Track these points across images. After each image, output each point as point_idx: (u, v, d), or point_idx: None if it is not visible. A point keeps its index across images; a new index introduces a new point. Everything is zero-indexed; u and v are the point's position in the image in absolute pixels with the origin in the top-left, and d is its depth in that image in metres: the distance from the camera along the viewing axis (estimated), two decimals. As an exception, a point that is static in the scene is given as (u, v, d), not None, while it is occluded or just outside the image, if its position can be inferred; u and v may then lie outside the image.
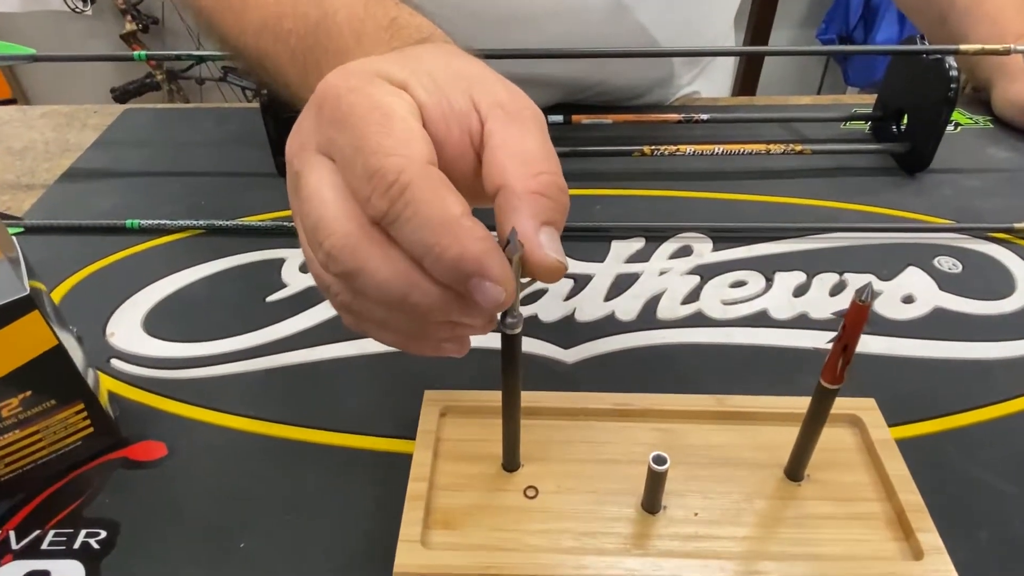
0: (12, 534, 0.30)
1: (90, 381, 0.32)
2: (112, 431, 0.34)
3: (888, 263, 0.46)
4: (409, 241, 0.22)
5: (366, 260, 0.22)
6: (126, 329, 0.41)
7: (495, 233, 0.23)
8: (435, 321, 0.24)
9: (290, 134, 0.26)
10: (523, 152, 0.23)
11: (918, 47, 0.52)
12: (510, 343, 0.26)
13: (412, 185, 0.21)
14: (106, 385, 0.37)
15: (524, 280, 0.23)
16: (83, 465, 0.33)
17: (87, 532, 0.30)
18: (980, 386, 0.37)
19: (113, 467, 0.33)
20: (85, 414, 0.32)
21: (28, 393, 0.29)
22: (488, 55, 0.54)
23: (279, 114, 0.52)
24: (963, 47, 0.51)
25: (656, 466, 0.27)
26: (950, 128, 0.62)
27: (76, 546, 0.30)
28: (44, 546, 0.30)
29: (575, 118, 0.59)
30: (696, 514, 0.29)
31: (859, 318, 0.23)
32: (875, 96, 0.61)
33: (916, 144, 0.54)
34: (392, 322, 0.24)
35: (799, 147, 0.54)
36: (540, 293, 0.44)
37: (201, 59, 0.54)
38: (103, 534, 0.30)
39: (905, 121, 0.57)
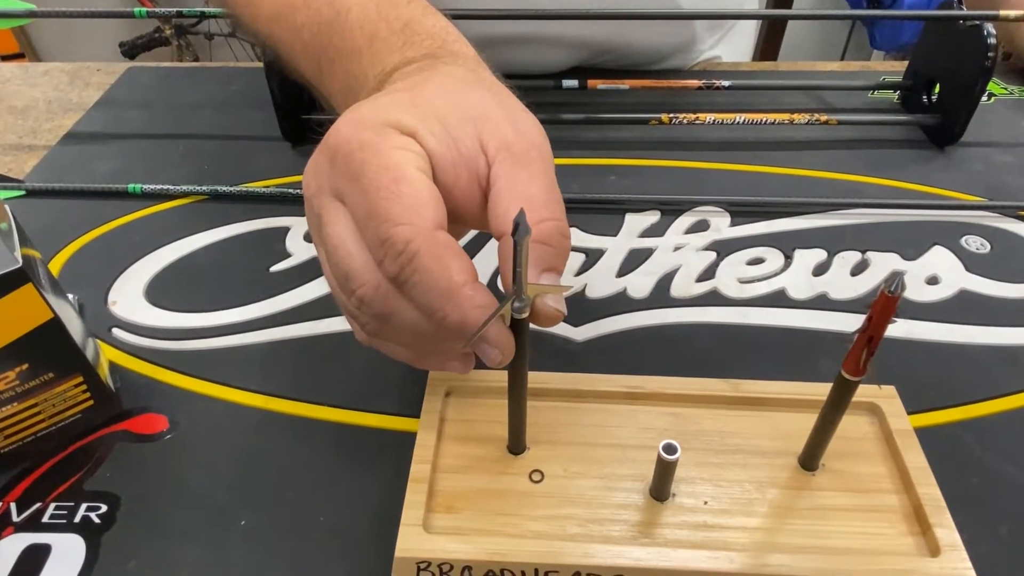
0: (13, 506, 0.30)
1: (90, 353, 0.32)
2: (113, 404, 0.33)
3: (913, 242, 0.44)
4: (418, 302, 0.23)
5: (396, 306, 0.24)
6: (128, 298, 0.40)
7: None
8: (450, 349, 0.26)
9: (307, 168, 0.26)
10: (527, 198, 0.24)
11: (954, 12, 0.49)
12: (518, 327, 0.25)
13: (419, 254, 0.23)
14: (107, 356, 0.36)
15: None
16: (84, 438, 0.33)
17: (88, 506, 0.30)
18: (1004, 373, 0.36)
19: (114, 440, 0.33)
20: (85, 387, 0.31)
21: (25, 366, 0.29)
22: (508, 15, 0.52)
23: (284, 76, 0.50)
24: (1003, 13, 0.48)
25: (666, 455, 0.26)
26: (983, 99, 0.59)
27: (77, 520, 0.30)
28: (45, 519, 0.30)
29: (591, 83, 0.57)
30: (706, 503, 0.28)
31: (887, 310, 0.22)
32: (905, 63, 0.58)
33: (947, 116, 0.52)
34: (410, 346, 0.27)
35: (824, 117, 0.52)
36: (550, 268, 0.42)
37: (203, 15, 0.52)
38: (104, 508, 0.30)
39: (937, 91, 0.54)
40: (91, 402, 0.32)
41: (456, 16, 0.53)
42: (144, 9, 0.51)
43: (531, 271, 0.24)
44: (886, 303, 0.22)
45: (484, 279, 0.41)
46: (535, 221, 0.24)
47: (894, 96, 0.59)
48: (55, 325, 0.29)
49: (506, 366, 0.26)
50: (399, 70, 0.30)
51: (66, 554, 0.28)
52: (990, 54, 0.47)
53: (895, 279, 0.22)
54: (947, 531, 0.27)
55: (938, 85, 0.54)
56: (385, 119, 0.25)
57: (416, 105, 0.26)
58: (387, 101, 0.26)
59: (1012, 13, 0.48)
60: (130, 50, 1.91)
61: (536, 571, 0.26)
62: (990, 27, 0.48)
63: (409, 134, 0.25)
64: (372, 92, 0.31)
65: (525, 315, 0.24)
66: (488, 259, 0.42)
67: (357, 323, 0.27)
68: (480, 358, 0.24)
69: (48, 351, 0.29)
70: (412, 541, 0.26)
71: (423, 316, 0.24)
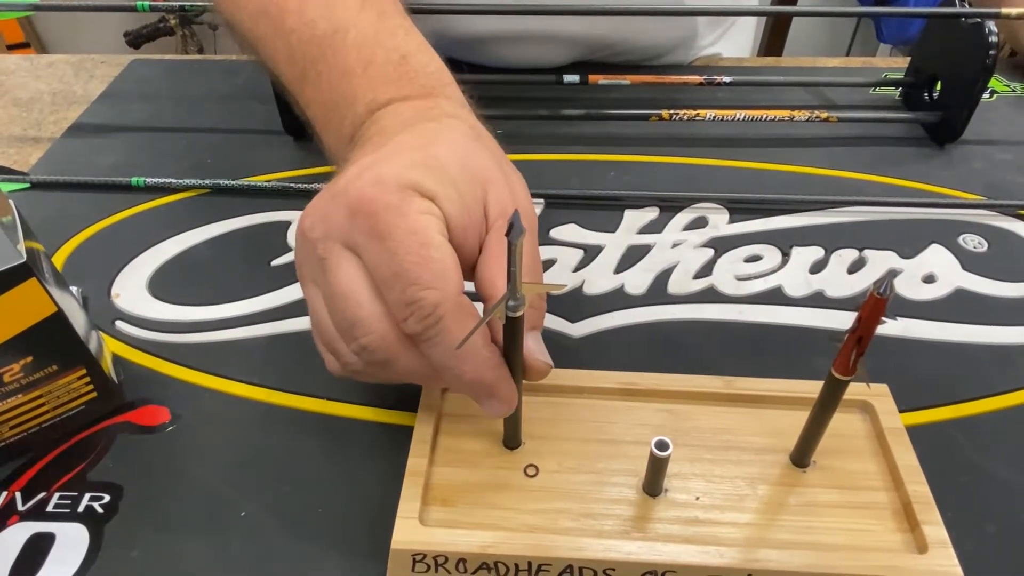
0: (18, 496, 0.31)
1: (93, 345, 0.32)
2: (116, 395, 0.34)
3: (911, 240, 0.44)
4: (435, 360, 0.25)
5: (399, 355, 0.26)
6: (131, 291, 0.41)
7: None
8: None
9: (311, 211, 0.27)
10: None
11: (955, 10, 0.49)
12: (513, 325, 0.25)
13: (446, 318, 0.24)
14: (110, 348, 0.37)
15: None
16: (87, 429, 0.33)
17: (91, 496, 0.31)
18: (998, 372, 0.36)
19: (117, 431, 0.33)
20: (88, 379, 0.32)
21: (29, 359, 0.29)
22: (510, 11, 0.52)
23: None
24: (1005, 10, 0.48)
25: (658, 451, 0.26)
26: (985, 96, 0.59)
27: (80, 509, 0.30)
28: (49, 508, 0.30)
29: (592, 78, 0.57)
30: (698, 498, 0.29)
31: (876, 312, 0.22)
32: (907, 60, 0.58)
33: (948, 113, 0.52)
34: (394, 381, 0.28)
35: (824, 114, 0.52)
36: (548, 264, 0.43)
37: (206, 9, 0.52)
38: (107, 498, 0.31)
39: (938, 88, 0.54)
40: (94, 394, 0.33)
41: (459, 12, 0.54)
42: (147, 2, 0.51)
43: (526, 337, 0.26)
44: (876, 304, 0.23)
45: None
46: None
47: (896, 93, 0.59)
48: (59, 319, 0.29)
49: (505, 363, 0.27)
50: (393, 105, 0.31)
51: (70, 543, 0.29)
52: (991, 52, 0.47)
53: (884, 281, 0.22)
54: (935, 528, 0.27)
55: (940, 82, 0.54)
56: (408, 182, 0.26)
57: (431, 167, 0.27)
58: (406, 160, 0.27)
59: (1014, 11, 0.48)
60: (135, 40, 1.91)
61: (529, 564, 0.27)
62: (992, 25, 0.48)
63: (430, 198, 0.26)
64: (360, 122, 0.31)
65: (519, 313, 0.24)
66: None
67: (339, 361, 0.28)
68: (486, 412, 0.27)
69: (52, 344, 0.30)
70: (408, 533, 0.27)
71: (421, 361, 0.26)
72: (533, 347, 0.27)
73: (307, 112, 0.35)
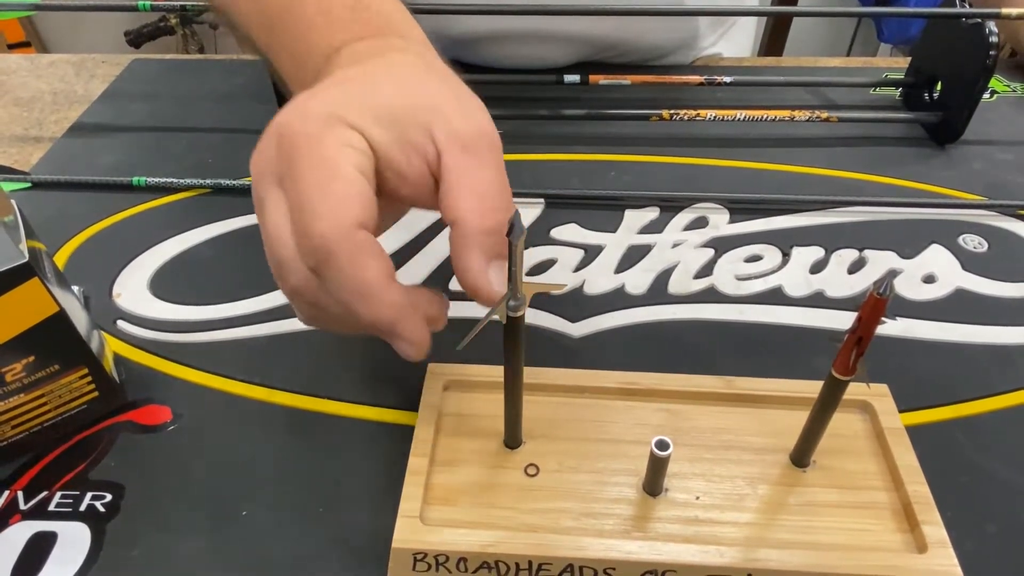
0: (20, 495, 0.31)
1: (95, 345, 0.32)
2: (117, 395, 0.34)
3: (911, 240, 0.44)
4: (334, 295, 0.24)
5: (326, 301, 0.25)
6: (132, 290, 0.41)
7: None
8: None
9: (255, 150, 0.27)
10: (477, 188, 0.25)
11: (956, 10, 0.49)
12: (513, 325, 0.25)
13: (334, 251, 0.23)
14: (112, 348, 0.37)
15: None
16: (89, 428, 0.33)
17: (93, 495, 0.31)
18: (998, 372, 0.36)
19: (118, 430, 0.33)
20: (90, 378, 0.32)
21: (31, 358, 0.29)
22: (511, 11, 0.52)
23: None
24: (1005, 11, 0.48)
25: (658, 451, 0.27)
26: (985, 96, 0.59)
27: (82, 508, 0.30)
28: (51, 508, 0.30)
29: (592, 78, 0.57)
30: (698, 498, 0.29)
31: (876, 312, 0.23)
32: (908, 60, 0.58)
33: (948, 114, 0.52)
34: (348, 331, 0.27)
35: (825, 115, 0.52)
36: (549, 264, 0.43)
37: (206, 9, 0.52)
38: (108, 497, 0.31)
39: (938, 88, 0.54)
40: (96, 393, 0.33)
41: (459, 12, 0.54)
42: (148, 2, 0.51)
43: (481, 260, 0.24)
44: (875, 305, 0.23)
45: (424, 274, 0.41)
46: (486, 210, 0.24)
47: (896, 93, 0.59)
48: (61, 318, 0.29)
49: (503, 361, 0.27)
50: (347, 47, 0.30)
51: (72, 542, 0.29)
52: (992, 52, 0.47)
53: (884, 281, 0.22)
54: (935, 528, 0.27)
55: (940, 83, 0.54)
56: (333, 111, 0.25)
57: (363, 99, 0.26)
58: (337, 92, 0.26)
59: (1014, 11, 0.48)
60: (135, 39, 1.91)
61: (530, 563, 0.27)
62: (992, 25, 0.48)
63: (356, 129, 0.25)
64: (319, 70, 0.30)
65: (520, 313, 0.24)
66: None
67: (293, 305, 0.27)
68: (399, 352, 0.25)
69: (54, 344, 0.30)
70: (409, 532, 0.27)
71: (346, 309, 0.24)
72: (494, 278, 0.25)
73: (279, 69, 0.35)
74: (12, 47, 1.90)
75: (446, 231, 0.43)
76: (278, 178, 0.25)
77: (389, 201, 0.26)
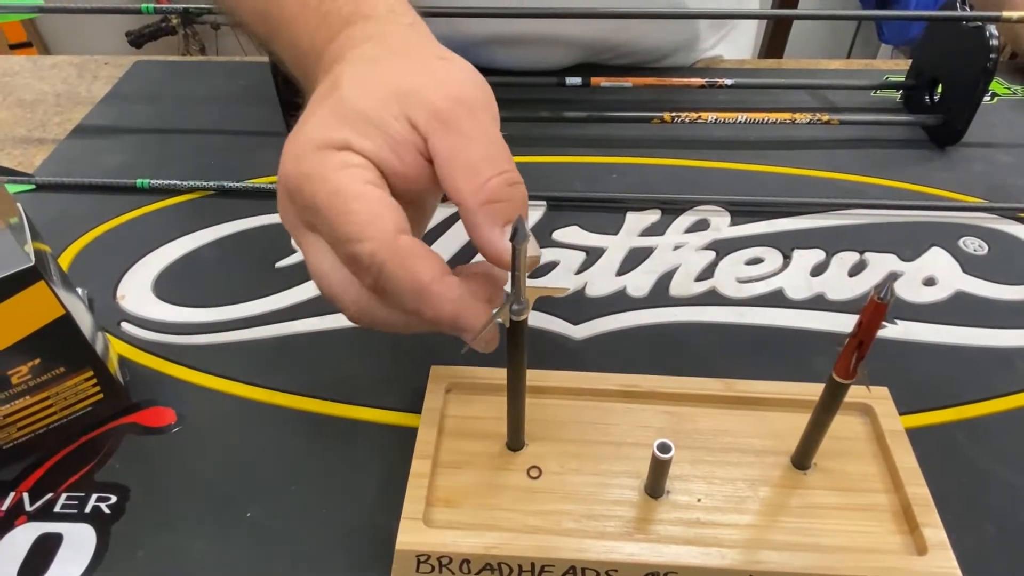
0: (26, 496, 0.31)
1: (99, 347, 0.32)
2: (122, 397, 0.34)
3: (911, 243, 0.44)
4: (397, 304, 0.25)
5: (384, 315, 0.26)
6: (136, 292, 0.41)
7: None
8: None
9: (279, 207, 0.27)
10: (467, 163, 0.25)
11: (956, 13, 0.50)
12: (516, 329, 0.25)
13: (385, 265, 0.24)
14: (116, 350, 0.37)
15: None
16: (94, 430, 0.33)
17: (98, 496, 0.31)
18: (998, 375, 0.36)
19: (123, 432, 0.34)
20: (94, 380, 0.32)
21: (37, 361, 0.30)
22: (512, 14, 0.53)
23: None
24: (1005, 14, 0.48)
25: (660, 454, 0.27)
26: (986, 99, 0.59)
27: (87, 510, 0.30)
28: (57, 509, 0.30)
29: (594, 80, 0.57)
30: (699, 500, 0.29)
31: (876, 316, 0.23)
32: (909, 62, 0.58)
33: (949, 116, 0.52)
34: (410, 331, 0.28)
35: (825, 117, 0.52)
36: (551, 266, 0.43)
37: (210, 11, 0.52)
38: (113, 499, 0.31)
39: (939, 91, 0.54)
40: (101, 395, 0.33)
41: (459, 15, 0.54)
42: (152, 5, 0.51)
43: (493, 232, 0.24)
44: (876, 309, 0.23)
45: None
46: (481, 183, 0.24)
47: (897, 95, 0.59)
48: (66, 321, 0.29)
49: (506, 364, 0.27)
50: (328, 47, 0.30)
51: (77, 543, 0.29)
52: (992, 55, 0.48)
53: (885, 286, 0.22)
54: (935, 530, 0.27)
55: (941, 85, 0.54)
56: (318, 142, 0.25)
57: (339, 113, 0.26)
58: (313, 121, 0.26)
59: (1015, 14, 0.48)
60: (137, 39, 1.91)
61: (532, 565, 0.27)
62: (992, 28, 0.48)
63: (344, 147, 0.25)
64: (317, 70, 0.30)
65: (523, 317, 0.25)
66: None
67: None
68: (466, 341, 0.25)
69: (59, 346, 0.30)
70: (412, 534, 0.27)
71: (407, 317, 0.26)
72: (490, 238, 0.24)
73: (286, 70, 0.36)
74: (13, 47, 1.90)
75: (444, 237, 0.44)
76: (305, 224, 0.26)
77: (405, 205, 0.26)
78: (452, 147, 0.25)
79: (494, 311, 0.25)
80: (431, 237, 0.45)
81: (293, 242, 0.28)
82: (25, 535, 0.29)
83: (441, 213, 0.46)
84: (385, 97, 0.26)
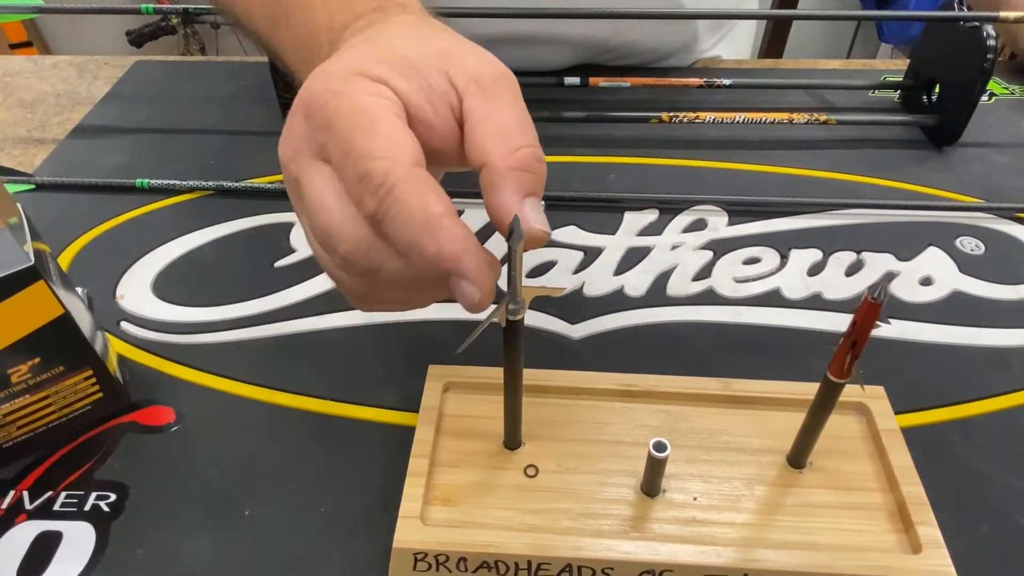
0: (26, 495, 0.31)
1: (99, 346, 0.32)
2: (121, 396, 0.34)
3: (908, 242, 0.45)
4: (396, 238, 0.23)
5: (381, 259, 0.24)
6: (136, 292, 0.41)
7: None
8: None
9: (281, 137, 0.26)
10: (501, 128, 0.24)
11: (954, 13, 0.50)
12: (513, 328, 0.25)
13: (397, 186, 0.22)
14: (116, 349, 0.37)
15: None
16: (93, 429, 0.34)
17: (97, 495, 0.31)
18: (994, 375, 0.37)
19: (122, 431, 0.34)
20: (94, 380, 0.32)
21: (36, 360, 0.30)
22: (511, 14, 0.53)
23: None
24: (1003, 14, 0.48)
25: (656, 452, 0.27)
26: (983, 98, 0.59)
27: (87, 508, 0.31)
28: (56, 507, 0.31)
29: (592, 80, 0.57)
30: (695, 499, 0.29)
31: (871, 316, 0.23)
32: (907, 62, 0.59)
33: (946, 116, 0.52)
34: (404, 299, 0.26)
35: (823, 117, 0.53)
36: (549, 266, 0.43)
37: (210, 11, 0.52)
38: (113, 497, 0.31)
39: (936, 91, 0.55)
40: (100, 394, 0.33)
41: (459, 15, 0.54)
42: (151, 5, 0.51)
43: (514, 198, 0.23)
44: (870, 309, 0.23)
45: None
46: (512, 149, 0.24)
47: (895, 95, 0.59)
48: (65, 320, 0.30)
49: (504, 365, 0.27)
50: (349, 27, 0.30)
51: (77, 541, 0.29)
52: (989, 55, 0.48)
53: (879, 286, 0.22)
54: (929, 529, 0.28)
55: (938, 85, 0.54)
56: (353, 69, 0.25)
57: (381, 53, 0.26)
58: (351, 55, 0.26)
59: (1012, 15, 0.48)
60: (137, 38, 1.91)
61: (529, 563, 0.27)
62: (990, 28, 0.48)
63: (380, 81, 0.24)
64: (326, 49, 0.30)
65: (520, 317, 0.25)
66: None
67: (344, 289, 0.27)
68: (458, 299, 0.23)
69: (58, 345, 0.30)
70: (409, 533, 0.27)
71: (404, 264, 0.24)
72: (529, 214, 0.24)
73: (285, 60, 0.35)
74: (14, 47, 1.90)
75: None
76: (313, 150, 0.25)
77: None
78: (488, 109, 0.25)
79: (491, 309, 0.25)
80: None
81: (289, 173, 0.26)
82: (25, 533, 0.30)
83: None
84: (428, 52, 0.26)
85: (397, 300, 0.27)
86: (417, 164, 0.23)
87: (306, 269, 0.42)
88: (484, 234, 0.45)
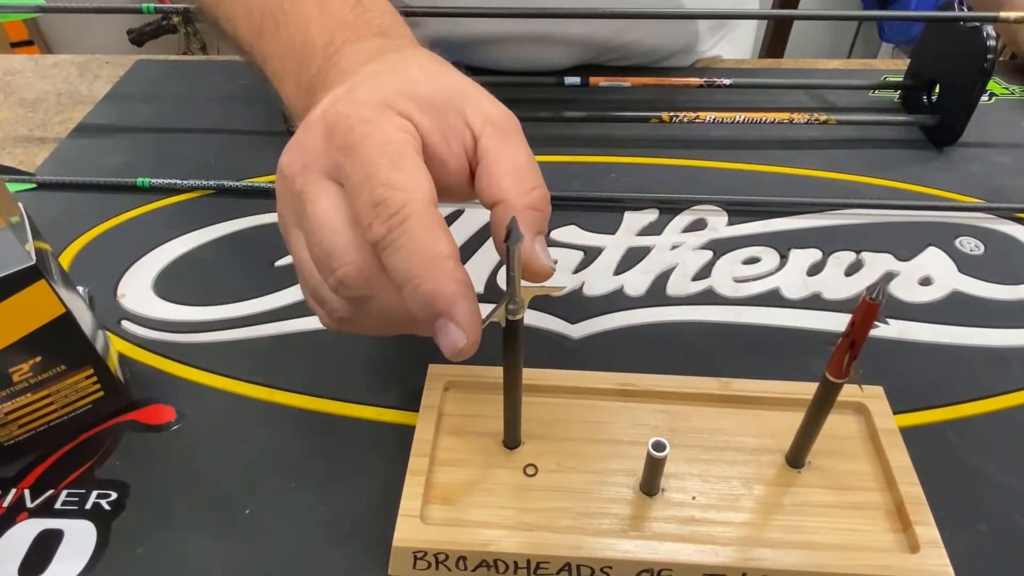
0: (27, 493, 0.31)
1: (100, 345, 0.33)
2: (122, 395, 0.34)
3: (908, 242, 0.45)
4: (396, 268, 0.23)
5: (377, 289, 0.24)
6: (137, 291, 0.41)
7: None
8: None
9: (289, 148, 0.27)
10: (516, 169, 0.26)
11: (954, 14, 0.50)
12: (512, 328, 0.25)
13: (411, 218, 0.23)
14: (117, 348, 0.37)
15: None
16: (94, 427, 0.34)
17: (98, 493, 0.31)
18: (993, 375, 0.37)
19: (123, 430, 0.34)
20: (95, 378, 0.32)
21: (38, 359, 0.30)
22: (511, 14, 0.53)
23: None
24: (1003, 14, 0.48)
25: (655, 452, 0.27)
26: (984, 98, 0.59)
27: (88, 506, 0.31)
28: (57, 506, 0.31)
29: (593, 80, 0.57)
30: (694, 498, 0.29)
31: (869, 316, 0.23)
32: (907, 62, 0.59)
33: (946, 117, 0.52)
34: (384, 329, 0.27)
35: (823, 117, 0.53)
36: (549, 265, 0.43)
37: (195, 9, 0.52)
38: (114, 495, 0.31)
39: (936, 91, 0.55)
40: (101, 393, 0.33)
41: (460, 15, 0.54)
42: (152, 5, 0.51)
43: (527, 236, 0.24)
44: (868, 309, 0.23)
45: (480, 280, 0.42)
46: (527, 189, 0.25)
47: (895, 96, 0.59)
48: (67, 319, 0.30)
49: (503, 364, 0.27)
50: (350, 45, 0.30)
51: (78, 539, 0.30)
52: (989, 56, 0.48)
53: (876, 287, 0.23)
54: (927, 528, 0.28)
55: (938, 85, 0.54)
56: (382, 100, 0.25)
57: (405, 88, 0.26)
58: (376, 84, 0.27)
59: (1012, 15, 0.48)
60: (138, 37, 1.91)
61: (528, 562, 0.27)
62: (990, 29, 0.48)
63: (405, 116, 0.25)
64: (319, 63, 0.31)
65: (519, 317, 0.25)
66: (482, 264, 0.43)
67: (325, 308, 0.27)
68: (441, 343, 0.24)
69: (60, 344, 0.30)
70: (409, 531, 0.27)
71: (398, 298, 0.24)
72: (539, 251, 0.25)
73: (265, 68, 0.35)
74: (14, 45, 1.90)
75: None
76: (327, 168, 0.25)
77: None
78: (504, 150, 0.26)
79: (489, 311, 0.25)
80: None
81: (292, 185, 0.26)
82: (26, 531, 0.30)
83: (441, 211, 0.46)
84: (448, 91, 0.27)
85: (377, 329, 0.27)
86: (432, 203, 0.24)
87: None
88: (483, 235, 0.45)
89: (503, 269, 0.26)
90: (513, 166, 0.26)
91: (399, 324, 0.26)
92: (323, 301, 0.26)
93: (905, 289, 0.42)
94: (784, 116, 0.53)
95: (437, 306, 0.23)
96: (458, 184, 0.27)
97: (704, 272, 0.43)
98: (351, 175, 0.24)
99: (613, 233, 0.46)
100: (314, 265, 0.26)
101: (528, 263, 0.25)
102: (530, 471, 0.30)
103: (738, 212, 0.47)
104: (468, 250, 0.44)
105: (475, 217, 0.46)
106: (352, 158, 0.24)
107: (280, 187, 0.27)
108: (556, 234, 0.45)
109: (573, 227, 0.46)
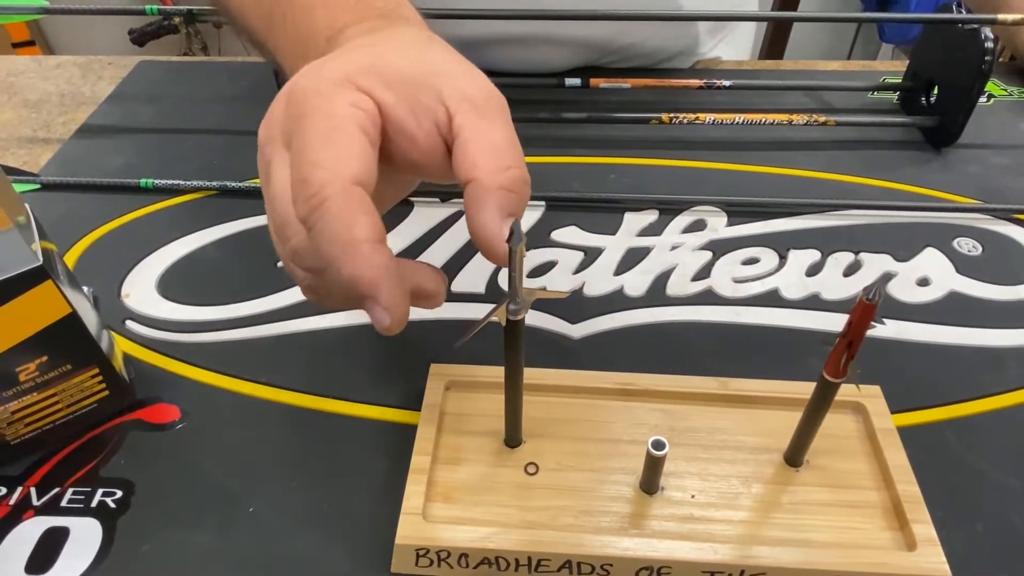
0: (33, 491, 0.31)
1: (104, 344, 0.33)
2: (127, 394, 0.35)
3: (906, 243, 0.45)
4: (320, 251, 0.23)
5: (311, 262, 0.24)
6: (141, 291, 0.42)
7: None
8: None
9: (264, 119, 0.27)
10: (491, 147, 0.25)
11: (952, 16, 0.50)
12: (513, 328, 0.26)
13: (329, 200, 0.22)
14: (121, 347, 0.38)
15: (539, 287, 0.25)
16: (99, 426, 0.34)
17: (104, 491, 0.32)
18: (990, 375, 0.37)
19: (128, 429, 0.34)
20: (100, 378, 0.33)
21: (44, 358, 0.30)
22: (512, 15, 0.53)
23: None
24: (1000, 16, 0.49)
25: (655, 451, 0.27)
26: (982, 100, 0.59)
27: (93, 504, 0.31)
28: (63, 504, 0.31)
29: (593, 81, 0.57)
30: (693, 496, 0.30)
31: (865, 317, 0.23)
32: (906, 63, 0.59)
33: (945, 118, 0.53)
34: (346, 305, 0.27)
35: (822, 118, 0.53)
36: (549, 266, 0.43)
37: (213, 11, 0.53)
38: (119, 494, 0.31)
39: (935, 93, 0.55)
40: (106, 392, 0.33)
41: (460, 16, 0.55)
42: (155, 6, 0.52)
43: (496, 217, 0.24)
44: (864, 310, 0.23)
45: (482, 280, 0.42)
46: (502, 167, 0.24)
47: (894, 97, 0.60)
48: (72, 319, 0.30)
49: (504, 364, 0.28)
50: (351, 27, 0.30)
51: (83, 537, 0.30)
52: (987, 57, 0.48)
53: (874, 287, 0.23)
54: (924, 527, 0.28)
55: (937, 87, 0.55)
56: (345, 74, 0.25)
57: (374, 62, 0.26)
58: (347, 58, 0.27)
59: (1010, 17, 0.49)
60: (139, 37, 1.92)
61: (529, 559, 0.28)
62: (988, 31, 0.48)
63: (364, 91, 0.25)
64: (323, 48, 0.31)
65: (520, 317, 0.25)
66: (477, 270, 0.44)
67: (295, 276, 0.27)
68: (372, 321, 0.23)
69: (65, 344, 0.31)
70: (412, 529, 0.28)
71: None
72: (500, 232, 0.24)
73: (278, 59, 0.36)
74: (16, 46, 1.90)
75: (443, 237, 0.44)
76: (286, 138, 0.25)
77: (398, 169, 0.26)
78: (479, 128, 0.25)
79: (490, 308, 0.25)
80: (430, 238, 0.45)
81: (263, 155, 0.26)
82: (32, 529, 0.30)
83: (441, 213, 0.47)
84: (423, 67, 0.26)
85: (340, 302, 0.27)
86: (357, 183, 0.23)
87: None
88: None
89: (504, 270, 0.26)
90: (489, 143, 0.25)
91: (350, 300, 0.25)
92: (291, 271, 0.26)
93: (903, 289, 0.42)
94: (783, 117, 0.53)
95: (360, 290, 0.23)
96: (434, 162, 0.26)
97: (704, 272, 0.43)
98: (293, 147, 0.24)
99: (613, 234, 0.46)
100: (275, 234, 0.26)
101: (488, 243, 0.24)
102: (531, 470, 0.30)
103: (737, 213, 0.47)
104: (468, 250, 0.44)
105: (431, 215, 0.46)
106: (296, 130, 0.24)
107: (258, 157, 0.27)
108: (556, 235, 0.46)
109: (573, 228, 0.46)
